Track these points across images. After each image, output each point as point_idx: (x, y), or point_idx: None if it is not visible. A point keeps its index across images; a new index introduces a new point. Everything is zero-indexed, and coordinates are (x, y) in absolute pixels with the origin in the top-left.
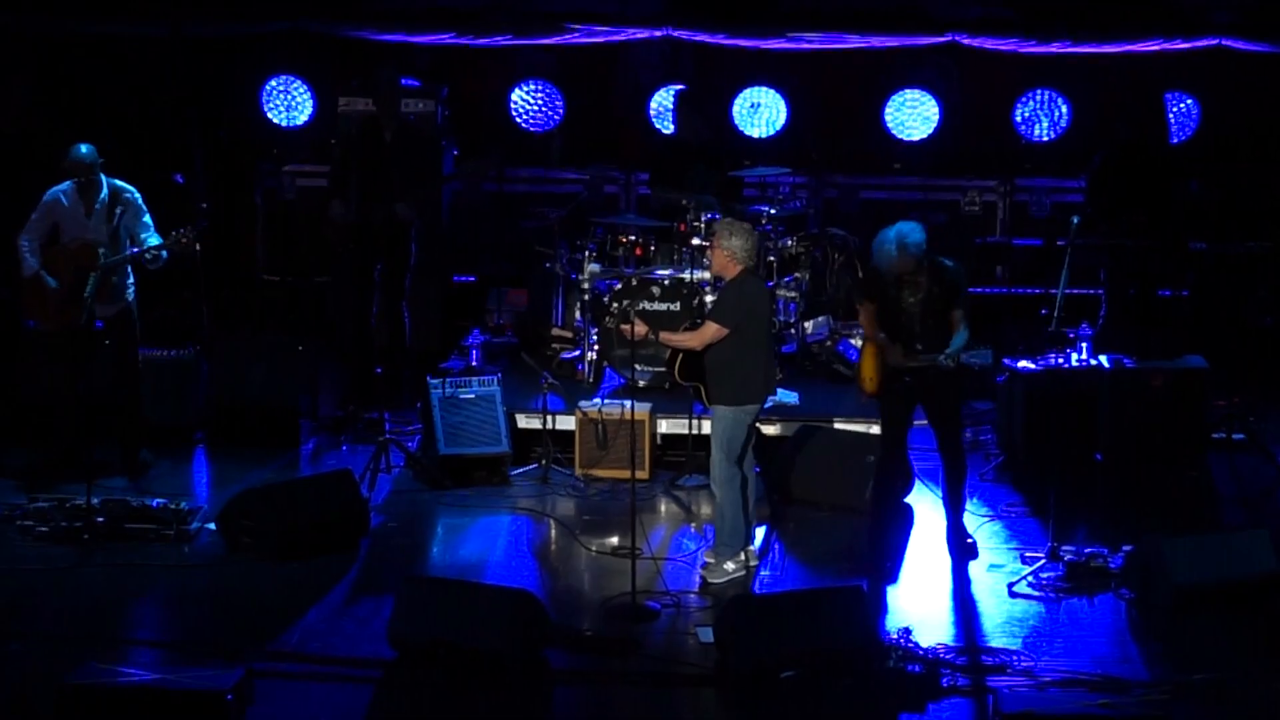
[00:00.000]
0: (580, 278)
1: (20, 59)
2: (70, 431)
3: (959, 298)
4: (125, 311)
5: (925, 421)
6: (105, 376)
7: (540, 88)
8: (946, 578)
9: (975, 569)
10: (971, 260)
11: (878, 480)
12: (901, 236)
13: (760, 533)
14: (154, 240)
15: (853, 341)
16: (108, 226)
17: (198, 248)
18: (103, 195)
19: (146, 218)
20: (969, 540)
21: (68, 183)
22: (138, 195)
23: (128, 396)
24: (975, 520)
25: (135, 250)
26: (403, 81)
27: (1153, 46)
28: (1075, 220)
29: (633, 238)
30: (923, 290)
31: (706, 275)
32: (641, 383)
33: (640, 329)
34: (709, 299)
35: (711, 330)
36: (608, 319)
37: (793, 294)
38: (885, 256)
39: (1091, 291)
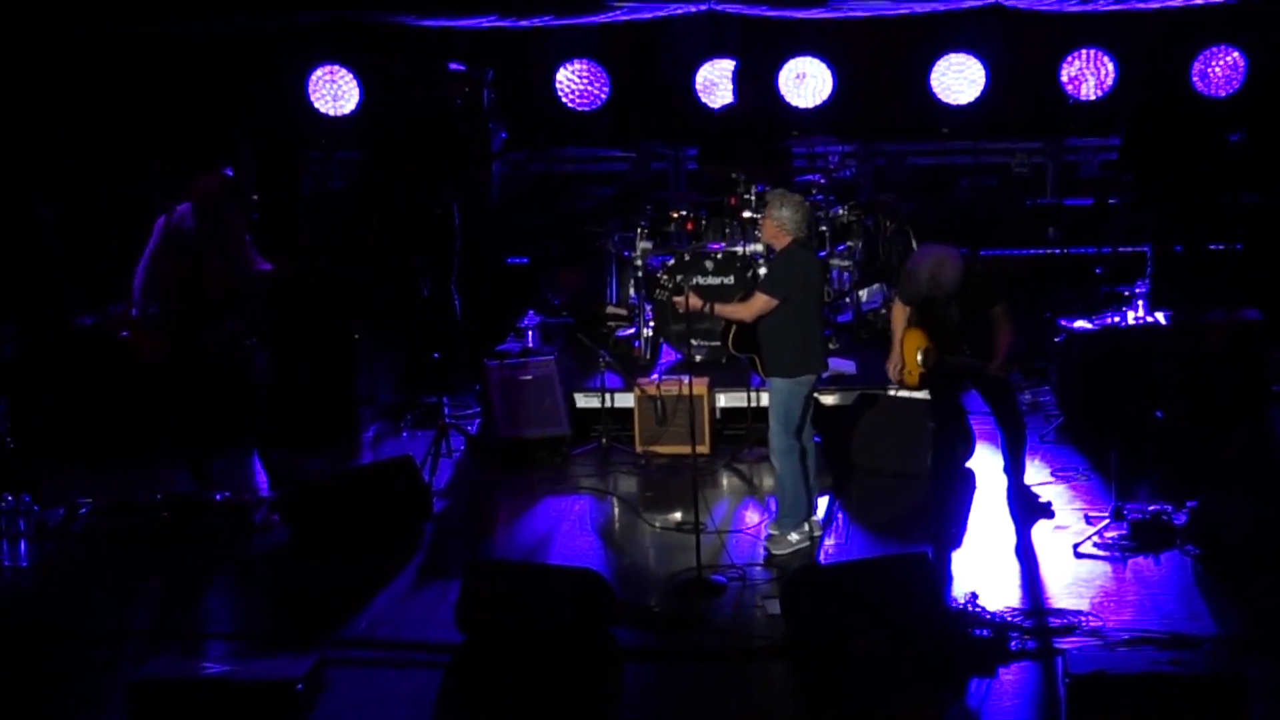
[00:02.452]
0: (633, 255)
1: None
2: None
3: (996, 294)
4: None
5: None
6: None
7: (586, 67)
8: (1011, 541)
9: (1040, 531)
10: (1022, 222)
11: (937, 447)
12: (938, 269)
13: (823, 503)
14: (263, 266)
15: None
16: (223, 251)
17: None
18: (220, 219)
19: (248, 238)
20: (1041, 501)
21: (185, 205)
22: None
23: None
24: (1037, 482)
25: (250, 274)
26: (448, 66)
27: (1196, 0)
28: (1125, 179)
29: (684, 213)
30: (958, 297)
31: (759, 247)
32: (699, 357)
33: (694, 302)
34: (762, 271)
35: (761, 301)
36: (658, 291)
37: (846, 263)
38: (921, 280)
39: (1145, 249)
